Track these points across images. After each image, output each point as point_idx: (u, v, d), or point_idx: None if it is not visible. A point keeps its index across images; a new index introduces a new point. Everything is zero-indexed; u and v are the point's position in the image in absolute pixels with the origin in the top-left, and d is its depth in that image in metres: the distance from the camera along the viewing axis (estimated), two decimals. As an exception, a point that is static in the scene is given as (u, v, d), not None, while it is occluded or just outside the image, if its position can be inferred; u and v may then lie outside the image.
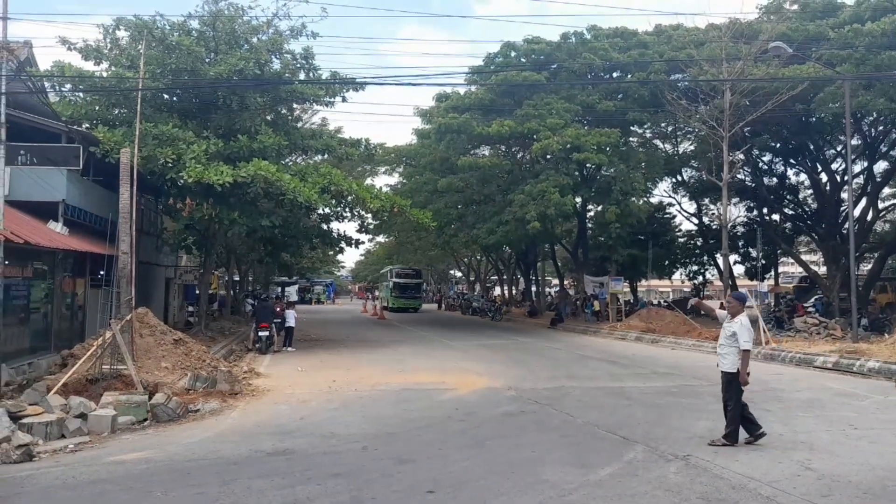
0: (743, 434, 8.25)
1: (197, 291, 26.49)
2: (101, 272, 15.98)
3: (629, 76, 30.09)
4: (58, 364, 12.59)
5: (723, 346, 8.49)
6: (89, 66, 19.51)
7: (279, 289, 56.09)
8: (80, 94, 20.27)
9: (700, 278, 45.21)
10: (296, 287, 64.42)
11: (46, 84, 19.96)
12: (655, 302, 45.46)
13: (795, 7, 28.37)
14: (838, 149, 30.41)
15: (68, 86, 20.00)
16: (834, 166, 31.36)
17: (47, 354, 13.64)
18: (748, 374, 8.22)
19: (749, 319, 8.49)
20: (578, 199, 31.79)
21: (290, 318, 21.24)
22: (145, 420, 9.89)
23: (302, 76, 21.44)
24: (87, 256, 15.79)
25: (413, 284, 52.57)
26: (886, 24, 22.17)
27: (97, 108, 19.79)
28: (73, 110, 19.03)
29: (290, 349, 20.49)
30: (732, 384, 8.26)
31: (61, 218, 15.43)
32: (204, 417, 10.26)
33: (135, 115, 15.58)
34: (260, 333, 19.88)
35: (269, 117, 21.68)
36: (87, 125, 18.64)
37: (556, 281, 55.24)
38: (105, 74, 19.40)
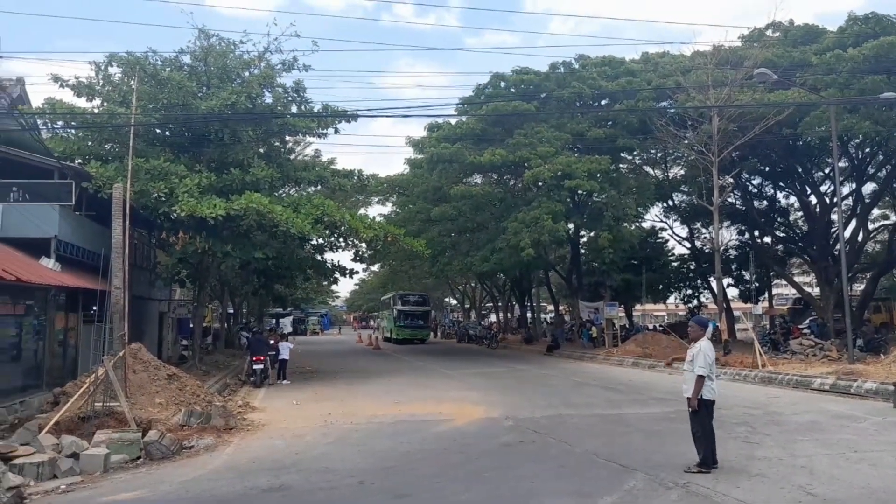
0: (694, 457, 8.19)
1: (191, 325, 26.32)
2: (94, 308, 15.86)
3: (618, 104, 30.46)
4: (49, 402, 12.43)
5: (686, 371, 8.43)
6: (81, 102, 19.61)
7: (273, 320, 55.67)
8: (73, 131, 20.32)
9: (694, 302, 45.28)
10: (290, 318, 64.07)
11: (38, 121, 20.04)
12: (651, 326, 45.45)
13: (777, 34, 28.90)
14: (826, 171, 30.76)
15: (60, 122, 20.05)
16: (823, 188, 31.69)
17: (39, 393, 13.47)
18: (711, 400, 8.16)
19: (710, 344, 8.43)
20: (571, 226, 31.95)
21: (285, 350, 21.10)
22: (139, 458, 9.74)
23: (294, 109, 21.59)
24: (80, 292, 15.70)
25: (420, 312, 47.17)
26: (868, 50, 22.56)
27: (89, 143, 19.83)
28: (65, 146, 19.07)
29: (284, 382, 20.33)
30: (698, 410, 8.18)
31: (53, 254, 15.37)
32: (198, 454, 10.12)
33: (127, 151, 15.63)
34: (255, 366, 19.72)
35: (261, 150, 21.77)
36: (80, 161, 18.66)
37: (551, 307, 55.09)
38: (97, 111, 19.48)
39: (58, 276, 14.35)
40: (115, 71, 19.53)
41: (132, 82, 18.01)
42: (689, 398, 8.23)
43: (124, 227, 12.54)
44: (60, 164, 16.93)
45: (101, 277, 13.22)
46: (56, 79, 18.64)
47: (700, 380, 8.10)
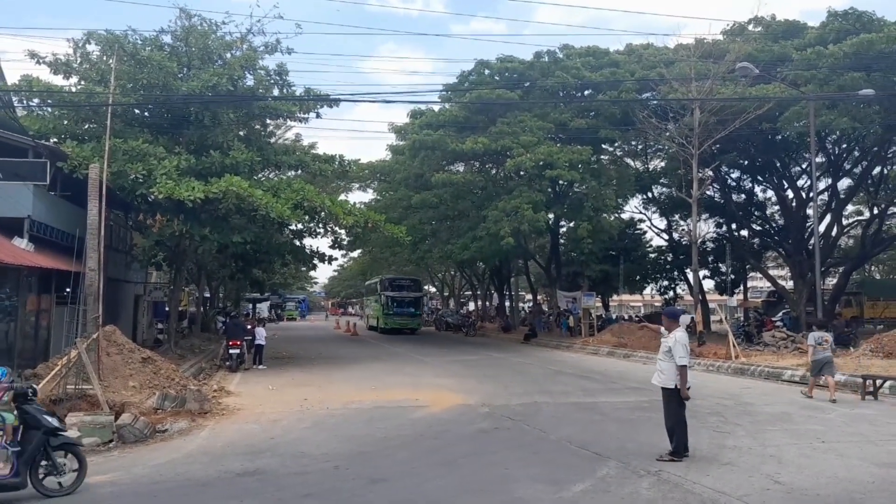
0: (667, 446, 8.31)
1: (167, 308, 26.10)
2: (68, 289, 15.66)
3: (601, 94, 30.55)
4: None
5: (660, 361, 8.53)
6: (58, 80, 19.26)
7: (250, 305, 55.33)
8: (49, 109, 19.96)
9: (671, 293, 45.74)
10: (267, 303, 63.72)
11: (14, 98, 19.64)
12: (627, 317, 45.88)
13: (759, 29, 29.12)
14: (803, 166, 31.14)
15: (36, 100, 19.69)
16: (799, 183, 32.10)
17: (10, 374, 13.27)
18: (688, 388, 8.28)
19: (686, 335, 8.51)
20: (551, 216, 32.07)
21: (260, 335, 21.00)
22: (111, 441, 9.67)
23: (276, 92, 21.39)
24: (53, 273, 15.48)
25: (411, 299, 42.81)
26: (848, 47, 22.81)
27: (66, 122, 19.50)
28: (40, 125, 18.74)
29: (261, 367, 20.25)
30: (671, 400, 8.32)
31: (27, 234, 15.11)
32: (172, 438, 10.07)
33: (104, 131, 15.38)
34: (231, 351, 19.62)
35: (241, 133, 21.57)
36: (55, 140, 18.33)
37: (529, 296, 55.34)
38: (74, 89, 19.14)
39: (31, 257, 14.13)
40: (93, 49, 19.22)
41: (111, 61, 17.72)
42: (666, 389, 8.34)
43: (100, 209, 12.36)
44: (35, 142, 16.62)
45: (76, 259, 13.04)
46: (33, 55, 18.29)
47: (684, 370, 8.22)
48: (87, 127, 19.69)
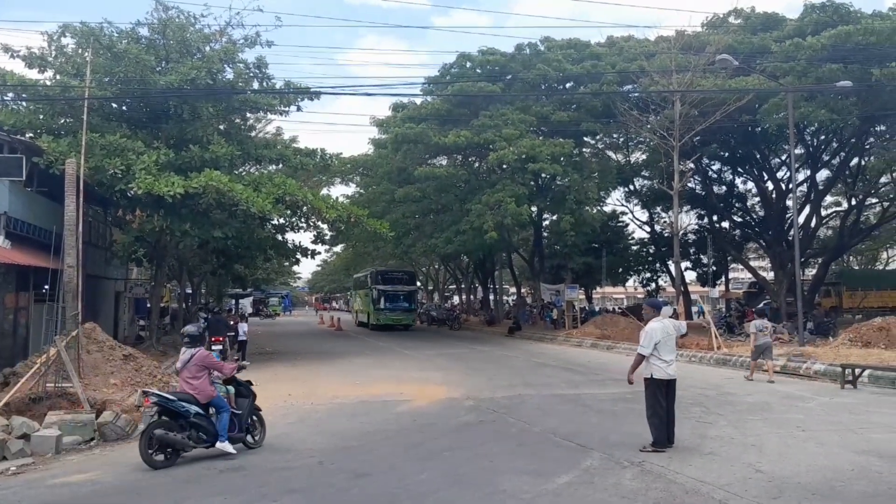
0: (648, 437, 8.37)
1: (148, 305, 25.83)
2: (46, 286, 15.45)
3: (582, 87, 30.60)
4: (-1, 383, 12.08)
5: None
6: (33, 74, 18.96)
7: (233, 301, 54.92)
8: (24, 103, 19.65)
9: (653, 285, 46.08)
10: (250, 299, 63.28)
11: (-13, 93, 19.27)
12: (610, 309, 46.18)
13: (738, 21, 29.34)
14: (783, 158, 31.46)
15: (10, 94, 19.36)
16: (779, 175, 32.43)
17: (-12, 373, 13.08)
18: (657, 377, 8.35)
19: (660, 325, 8.49)
20: (534, 209, 32.15)
21: (242, 331, 20.86)
22: (92, 440, 9.56)
23: (255, 85, 21.18)
24: (31, 270, 15.25)
25: (405, 293, 39.62)
26: (826, 39, 23.03)
27: (41, 117, 19.18)
28: (15, 119, 18.40)
29: (244, 363, 20.09)
30: (647, 388, 8.44)
31: (3, 231, 14.88)
32: (154, 435, 9.96)
33: (81, 125, 15.16)
34: (213, 347, 19.43)
35: (221, 127, 21.33)
36: (31, 135, 18.05)
37: (513, 289, 55.47)
38: (50, 83, 18.85)
39: (7, 254, 13.91)
40: (68, 42, 18.93)
41: (86, 54, 17.44)
42: (644, 379, 8.42)
43: (78, 204, 12.19)
44: (10, 137, 16.36)
45: (54, 255, 12.85)
46: (6, 49, 17.98)
47: (637, 357, 8.46)
48: (63, 121, 19.38)
